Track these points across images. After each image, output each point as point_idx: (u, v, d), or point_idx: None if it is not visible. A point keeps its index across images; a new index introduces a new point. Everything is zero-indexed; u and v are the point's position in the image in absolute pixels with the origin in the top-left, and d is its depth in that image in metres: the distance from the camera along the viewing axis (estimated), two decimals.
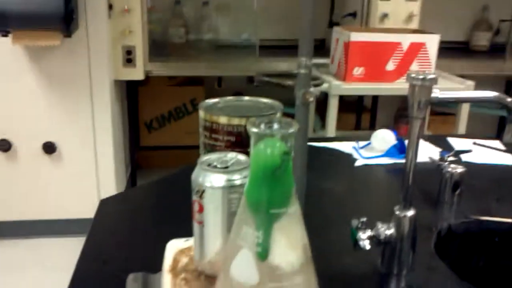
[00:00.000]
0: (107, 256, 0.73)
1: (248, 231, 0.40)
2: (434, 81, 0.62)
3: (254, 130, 0.39)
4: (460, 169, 0.93)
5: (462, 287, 0.67)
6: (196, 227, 0.49)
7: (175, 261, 0.52)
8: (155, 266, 0.65)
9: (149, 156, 2.93)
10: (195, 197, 0.48)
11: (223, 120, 0.79)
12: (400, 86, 2.10)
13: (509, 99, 0.65)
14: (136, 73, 2.28)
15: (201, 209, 0.47)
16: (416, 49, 2.13)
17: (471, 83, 2.07)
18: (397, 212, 0.69)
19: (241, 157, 0.49)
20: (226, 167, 0.48)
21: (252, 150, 0.40)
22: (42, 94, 2.16)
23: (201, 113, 0.83)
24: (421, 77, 0.62)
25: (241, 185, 0.46)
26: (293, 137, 0.40)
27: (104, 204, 0.91)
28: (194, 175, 0.48)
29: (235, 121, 0.79)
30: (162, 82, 2.84)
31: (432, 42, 2.13)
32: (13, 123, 2.18)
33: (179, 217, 0.85)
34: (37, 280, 1.86)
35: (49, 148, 2.20)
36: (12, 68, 2.11)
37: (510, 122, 0.66)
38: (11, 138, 2.19)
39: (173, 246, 0.55)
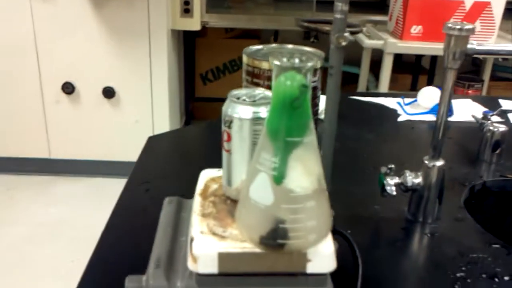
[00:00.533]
0: (150, 185, 0.80)
1: (266, 156, 0.44)
2: (471, 31, 0.62)
3: (276, 62, 0.42)
4: (502, 128, 0.92)
5: (486, 238, 0.69)
6: (224, 155, 0.53)
7: (206, 186, 0.57)
8: (191, 193, 0.70)
9: (203, 107, 3.01)
10: (224, 127, 0.51)
11: (265, 65, 0.82)
12: None
13: None
14: (193, 24, 2.33)
15: (229, 138, 0.51)
16: (479, 8, 2.04)
17: None
18: (426, 162, 0.71)
19: (268, 93, 0.52)
20: (254, 101, 0.51)
21: (273, 82, 0.43)
22: (103, 41, 2.25)
23: (245, 58, 0.86)
24: (458, 27, 0.62)
25: (265, 118, 0.50)
26: (311, 71, 0.43)
27: (153, 140, 0.98)
28: (224, 107, 0.52)
29: None
30: (219, 34, 2.87)
31: (497, 2, 2.02)
32: (76, 68, 2.30)
33: (218, 154, 0.91)
34: (90, 212, 2.00)
35: (108, 92, 2.31)
36: (76, 16, 2.21)
37: None
38: (75, 82, 2.32)
39: (206, 174, 0.60)
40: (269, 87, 0.84)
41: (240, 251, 0.47)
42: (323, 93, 0.70)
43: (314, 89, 0.85)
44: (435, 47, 2.06)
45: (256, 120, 0.50)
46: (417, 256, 0.66)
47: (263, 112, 0.50)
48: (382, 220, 0.73)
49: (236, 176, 0.53)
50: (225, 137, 0.52)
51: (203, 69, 2.97)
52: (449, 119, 1.18)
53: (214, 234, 0.49)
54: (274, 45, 0.93)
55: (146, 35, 2.25)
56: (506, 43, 2.09)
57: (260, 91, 0.53)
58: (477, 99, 1.29)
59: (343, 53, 0.67)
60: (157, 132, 2.43)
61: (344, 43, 0.61)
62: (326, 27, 1.95)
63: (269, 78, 0.82)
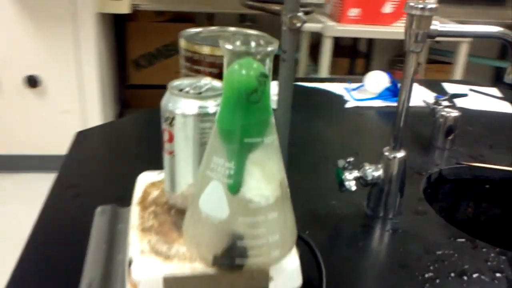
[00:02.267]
0: (79, 189, 0.70)
1: (218, 161, 0.36)
2: (434, 10, 0.56)
3: (228, 47, 0.34)
4: (454, 113, 0.89)
5: (450, 232, 0.65)
6: (166, 157, 0.45)
7: (145, 193, 0.49)
8: (127, 200, 0.61)
9: (138, 95, 2.86)
10: (164, 125, 0.43)
11: (205, 50, 0.74)
12: (397, 30, 2.03)
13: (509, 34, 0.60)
14: (122, 6, 2.18)
15: (171, 138, 0.43)
16: None
17: None
18: (386, 153, 0.66)
19: (216, 83, 0.44)
20: (199, 93, 0.43)
21: (225, 71, 0.36)
22: (23, 26, 2.06)
23: (182, 43, 0.77)
24: (420, 6, 0.56)
25: (215, 113, 0.42)
26: (272, 57, 0.35)
27: (81, 135, 0.87)
28: (163, 101, 0.43)
29: (219, 51, 0.73)
30: (150, 17, 2.73)
31: None
32: None
33: (158, 151, 0.82)
34: (16, 213, 1.84)
35: (32, 81, 2.13)
36: None
37: None
38: None
39: (145, 179, 0.51)
40: (211, 75, 0.76)
41: (190, 273, 0.39)
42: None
43: None
44: (373, 30, 2.05)
45: (203, 116, 0.42)
46: (382, 257, 0.61)
47: (212, 106, 0.42)
48: (341, 217, 0.67)
49: (181, 180, 0.45)
50: (166, 136, 0.43)
51: (136, 55, 2.82)
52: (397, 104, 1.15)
53: (157, 253, 0.41)
54: (214, 27, 0.85)
55: (71, 18, 2.08)
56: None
57: (206, 81, 0.44)
58: (421, 82, 1.26)
59: (297, 35, 0.60)
60: (89, 122, 2.27)
61: (298, 25, 0.54)
62: (275, 7, 1.86)
63: (211, 65, 0.74)
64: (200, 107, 0.41)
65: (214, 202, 0.37)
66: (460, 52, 2.06)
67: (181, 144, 0.42)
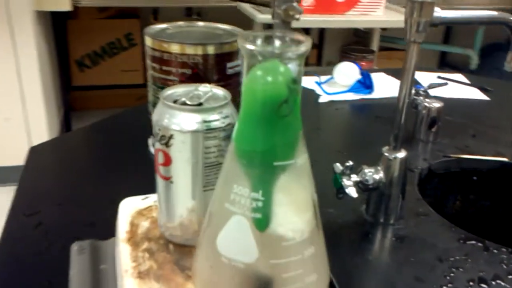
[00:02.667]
0: (41, 216, 0.60)
1: (241, 192, 0.29)
2: None
3: (250, 47, 0.27)
4: (437, 104, 0.85)
5: (458, 234, 0.61)
6: (161, 183, 0.37)
7: (133, 226, 0.41)
8: (101, 228, 0.53)
9: (83, 97, 2.71)
10: (159, 145, 0.35)
11: (175, 48, 0.66)
12: (350, 19, 2.00)
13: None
14: (61, 3, 2.03)
15: (168, 161, 0.35)
16: None
17: None
18: (386, 154, 0.60)
19: (218, 90, 0.37)
20: (200, 104, 0.35)
21: (245, 78, 0.28)
22: None
23: (148, 41, 0.69)
24: None
25: (221, 128, 0.35)
26: (303, 59, 0.28)
27: (35, 152, 0.77)
28: (156, 116, 0.35)
29: (190, 49, 0.66)
30: (92, 14, 2.58)
31: None
32: None
33: (124, 166, 0.72)
34: None
35: None
36: None
37: None
38: None
39: (128, 206, 0.43)
40: (183, 76, 0.68)
41: None
42: None
43: (236, 75, 0.71)
44: (328, 19, 2.01)
45: (207, 132, 0.34)
46: (394, 269, 0.56)
47: (216, 120, 0.34)
48: (341, 226, 0.61)
49: (180, 209, 0.37)
50: (161, 159, 0.36)
51: (78, 55, 2.65)
52: (371, 96, 1.11)
53: None
54: (181, 23, 0.77)
55: (6, 19, 1.91)
56: (396, 14, 2.10)
57: (205, 88, 0.37)
58: (389, 72, 1.23)
59: (289, 29, 0.53)
60: (33, 129, 2.11)
61: (297, 16, 0.47)
62: None
63: (184, 65, 0.66)
64: (203, 122, 0.34)
65: (238, 242, 0.29)
66: None
67: (182, 168, 0.35)
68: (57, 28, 2.40)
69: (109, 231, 0.48)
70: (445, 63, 3.42)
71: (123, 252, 0.37)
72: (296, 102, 0.28)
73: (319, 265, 0.32)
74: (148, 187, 0.49)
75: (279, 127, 0.28)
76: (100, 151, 0.79)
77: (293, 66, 0.28)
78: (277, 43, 0.28)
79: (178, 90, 0.37)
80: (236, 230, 0.29)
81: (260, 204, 0.28)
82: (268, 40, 0.28)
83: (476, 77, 1.25)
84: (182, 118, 0.34)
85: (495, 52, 2.99)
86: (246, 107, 0.28)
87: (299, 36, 0.28)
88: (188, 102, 0.35)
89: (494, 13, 0.56)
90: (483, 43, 3.02)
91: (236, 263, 0.30)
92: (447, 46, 3.18)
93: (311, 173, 0.31)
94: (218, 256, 0.30)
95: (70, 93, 2.66)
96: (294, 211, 0.30)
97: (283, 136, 0.28)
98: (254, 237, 0.29)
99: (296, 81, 0.28)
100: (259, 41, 0.28)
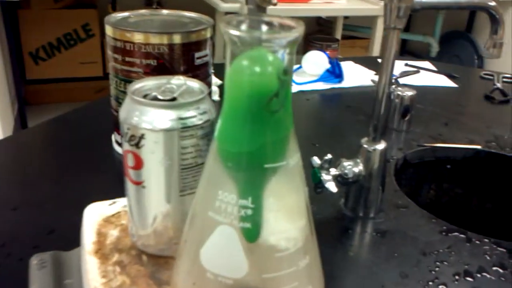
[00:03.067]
0: None
1: (227, 198, 0.25)
2: None
3: (234, 33, 0.23)
4: (410, 92, 0.83)
5: (439, 226, 0.59)
6: (131, 188, 0.33)
7: (100, 235, 0.36)
8: (62, 236, 0.48)
9: (38, 91, 2.59)
10: (128, 146, 0.31)
11: (138, 38, 0.62)
12: (314, 7, 1.98)
13: (492, 4, 0.55)
14: None
15: (139, 164, 0.31)
16: None
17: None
18: (365, 146, 0.58)
19: (193, 83, 0.33)
20: (173, 99, 0.31)
21: (228, 68, 0.25)
22: None
23: (109, 30, 0.64)
24: None
25: (199, 126, 0.31)
26: (295, 47, 0.25)
27: None
28: (123, 113, 0.31)
29: (155, 39, 0.61)
30: (46, 4, 2.46)
31: None
32: None
33: (86, 165, 0.67)
34: None
35: None
36: None
37: (493, 33, 0.56)
38: None
39: (94, 213, 0.39)
40: (148, 68, 0.64)
41: None
42: None
43: (205, 65, 0.67)
44: (292, 8, 1.98)
45: (183, 130, 0.30)
46: (379, 266, 0.54)
47: (193, 116, 0.31)
48: (320, 223, 0.58)
49: (153, 215, 0.34)
50: (130, 162, 0.32)
51: (33, 47, 2.53)
52: (341, 85, 1.09)
53: None
54: (143, 11, 0.72)
55: None
56: (358, 2, 2.09)
57: (178, 81, 0.33)
58: (357, 60, 1.21)
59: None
60: None
61: (273, 1, 0.44)
62: None
63: (148, 55, 0.62)
64: (179, 119, 0.30)
65: (225, 255, 0.26)
66: (378, 27, 2.06)
67: (155, 171, 0.31)
68: (8, 19, 2.28)
69: (71, 239, 0.43)
70: (405, 51, 3.46)
71: (91, 266, 0.33)
72: (288, 95, 0.25)
73: (315, 276, 0.29)
74: (114, 189, 0.45)
75: (269, 125, 0.24)
76: (59, 150, 0.74)
77: (283, 55, 0.24)
78: (264, 28, 0.25)
79: (148, 83, 0.33)
80: (222, 241, 0.26)
81: (249, 212, 0.25)
82: (254, 25, 0.25)
83: (442, 64, 1.25)
84: (154, 115, 0.30)
85: (454, 39, 3.04)
86: (230, 103, 0.25)
87: (289, 21, 0.25)
88: (160, 97, 0.31)
89: None
90: (442, 31, 3.06)
91: (223, 279, 0.26)
92: (407, 34, 3.21)
93: (303, 174, 0.28)
94: (202, 272, 0.27)
95: (25, 87, 2.55)
96: (287, 217, 0.26)
97: (274, 134, 0.25)
98: (243, 249, 0.26)
99: (287, 71, 0.24)
100: (243, 27, 0.24)
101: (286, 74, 0.24)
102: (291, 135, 0.26)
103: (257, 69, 0.24)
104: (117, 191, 0.45)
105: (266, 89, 0.24)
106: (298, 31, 0.24)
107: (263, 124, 0.24)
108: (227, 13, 2.08)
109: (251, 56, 0.24)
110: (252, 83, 0.24)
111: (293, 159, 0.26)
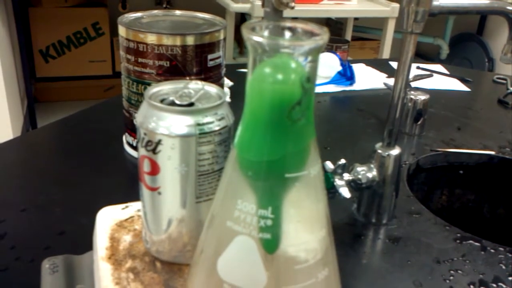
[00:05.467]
0: (5, 225, 0.54)
1: (246, 208, 0.25)
2: None
3: (257, 39, 0.23)
4: (423, 96, 0.82)
5: (453, 234, 0.58)
6: (146, 194, 0.32)
7: (114, 241, 0.36)
8: (73, 238, 0.48)
9: (48, 88, 2.60)
10: (144, 152, 0.31)
11: (151, 39, 0.61)
12: (325, 8, 1.97)
13: (511, 8, 0.54)
14: None
15: (155, 170, 0.31)
16: None
17: (395, 5, 1.99)
18: (380, 151, 0.57)
19: (211, 88, 0.33)
20: (191, 104, 0.31)
21: (250, 75, 0.24)
22: None
23: (122, 30, 0.63)
24: None
25: (216, 132, 0.30)
26: (319, 54, 0.24)
27: None
28: (140, 117, 0.31)
29: (168, 40, 0.61)
30: (56, 2, 2.47)
31: None
32: None
33: (97, 167, 0.67)
34: None
35: None
36: None
37: (511, 38, 0.55)
38: None
39: (107, 217, 0.38)
40: (161, 69, 0.63)
41: None
42: None
43: (218, 67, 0.67)
44: (303, 9, 1.97)
45: (200, 136, 0.30)
46: (392, 274, 0.53)
47: (211, 122, 0.30)
48: (333, 229, 0.58)
49: (168, 224, 0.33)
50: (146, 167, 0.31)
51: (43, 45, 2.54)
52: (352, 87, 1.08)
53: None
54: (157, 11, 0.72)
55: None
56: (369, 3, 2.08)
57: (197, 86, 0.32)
58: (369, 63, 1.20)
59: (281, 18, 0.49)
60: None
61: (291, 4, 0.43)
62: None
63: (160, 57, 0.61)
64: (196, 125, 0.30)
65: (243, 266, 0.25)
66: (389, 28, 2.05)
67: (171, 177, 0.30)
68: (20, 16, 2.29)
69: (82, 241, 0.43)
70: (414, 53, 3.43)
71: (104, 273, 0.33)
72: (310, 104, 0.24)
73: (333, 285, 0.28)
74: (125, 191, 0.44)
75: (290, 134, 0.24)
76: (69, 150, 0.73)
77: (306, 62, 0.24)
78: (287, 35, 0.24)
79: (165, 88, 0.32)
80: (241, 252, 0.25)
81: (269, 222, 0.24)
82: (277, 31, 0.24)
83: (454, 67, 1.24)
84: (171, 121, 0.30)
85: (465, 42, 3.02)
86: (251, 111, 0.24)
87: (312, 27, 0.24)
88: (178, 102, 0.31)
89: (493, 2, 0.53)
90: (453, 33, 3.04)
91: None
92: (424, 36, 3.19)
93: (323, 184, 0.27)
94: (219, 283, 0.26)
95: (35, 84, 2.56)
96: (307, 228, 0.26)
97: (296, 143, 0.24)
98: (262, 260, 0.25)
99: (310, 79, 0.24)
100: (266, 32, 0.24)
101: (309, 81, 0.24)
102: (313, 144, 0.25)
103: (280, 76, 0.23)
104: (128, 193, 0.45)
105: (289, 97, 0.23)
106: (323, 38, 0.23)
107: (284, 133, 0.24)
108: (237, 14, 2.08)
109: (273, 63, 0.23)
110: (275, 91, 0.23)
111: (314, 168, 0.25)
